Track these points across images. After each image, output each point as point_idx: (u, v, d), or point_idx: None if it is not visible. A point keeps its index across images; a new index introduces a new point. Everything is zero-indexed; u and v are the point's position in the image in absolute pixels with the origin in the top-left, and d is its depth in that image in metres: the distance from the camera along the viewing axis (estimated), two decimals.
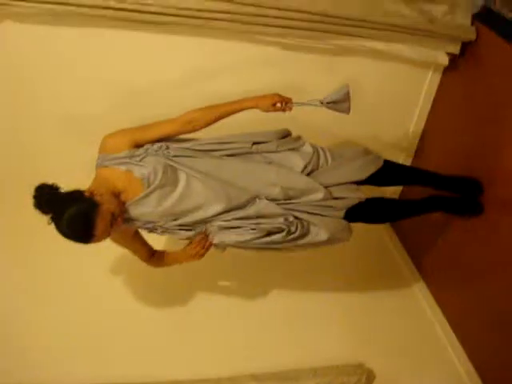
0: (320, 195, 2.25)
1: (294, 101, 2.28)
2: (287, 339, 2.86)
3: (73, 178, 2.06)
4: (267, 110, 2.25)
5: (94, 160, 2.13)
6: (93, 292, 2.94)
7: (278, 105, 2.25)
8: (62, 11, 2.40)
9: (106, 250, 2.45)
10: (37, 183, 1.96)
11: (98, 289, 2.97)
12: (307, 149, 2.33)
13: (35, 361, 2.58)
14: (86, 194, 1.94)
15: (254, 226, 2.21)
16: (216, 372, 2.60)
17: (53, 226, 1.91)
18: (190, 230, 2.23)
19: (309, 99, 2.29)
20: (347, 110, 2.33)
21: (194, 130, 2.21)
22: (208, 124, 2.20)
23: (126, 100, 2.91)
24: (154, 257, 2.48)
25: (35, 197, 1.94)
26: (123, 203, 2.07)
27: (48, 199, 1.91)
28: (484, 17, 2.75)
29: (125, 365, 2.62)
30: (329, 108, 2.31)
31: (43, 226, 1.92)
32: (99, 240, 1.94)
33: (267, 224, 2.21)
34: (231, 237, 2.23)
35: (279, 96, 2.25)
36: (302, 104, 2.28)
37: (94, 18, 2.47)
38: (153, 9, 2.44)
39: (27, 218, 2.05)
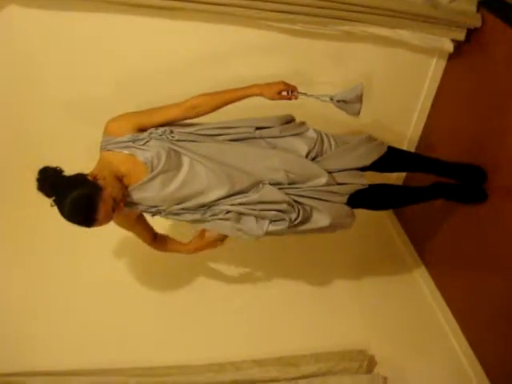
0: (323, 180, 2.25)
1: (299, 90, 2.25)
2: (289, 325, 2.87)
3: (77, 162, 2.05)
4: (272, 98, 2.23)
5: (98, 143, 2.13)
6: (92, 279, 2.96)
7: (284, 93, 2.24)
8: None
9: (106, 236, 2.48)
10: (36, 165, 1.97)
11: (97, 276, 2.98)
12: (311, 134, 2.33)
13: (33, 346, 2.60)
14: (90, 177, 1.94)
15: (256, 213, 2.22)
16: (218, 357, 2.61)
17: (55, 212, 1.91)
18: (194, 213, 2.23)
19: (319, 93, 2.26)
20: (357, 113, 2.30)
21: (198, 116, 2.20)
22: (212, 110, 2.20)
23: (132, 84, 2.91)
24: (156, 240, 2.49)
25: (38, 179, 1.94)
26: (126, 187, 2.08)
27: (51, 182, 1.91)
28: (490, 3, 2.73)
29: (127, 350, 2.65)
30: (338, 107, 2.29)
31: (46, 213, 1.93)
32: (101, 224, 1.94)
33: (269, 211, 2.21)
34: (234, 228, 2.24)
35: (285, 84, 2.23)
36: (311, 96, 2.25)
37: (100, 2, 2.47)
38: None
39: (30, 205, 2.07)
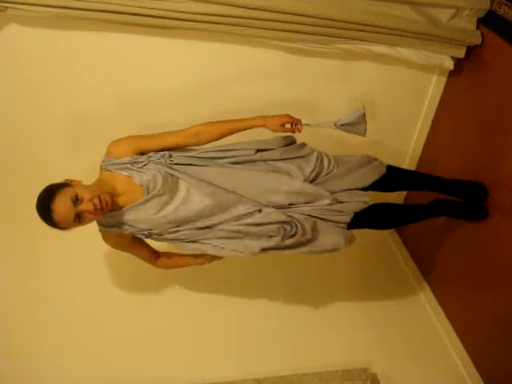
0: (327, 201, 2.26)
1: (304, 122, 2.25)
2: (291, 344, 2.86)
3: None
4: (276, 130, 2.24)
5: (95, 162, 2.17)
6: (91, 294, 2.96)
7: (287, 125, 2.24)
8: (69, 15, 2.40)
9: (107, 251, 2.46)
10: (38, 184, 2.01)
11: (96, 290, 2.99)
12: (311, 156, 2.32)
13: (36, 363, 2.59)
14: (65, 181, 2.03)
15: (253, 232, 2.21)
16: (219, 376, 2.59)
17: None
18: (188, 241, 2.23)
19: (322, 121, 2.27)
20: (363, 133, 2.30)
21: (200, 144, 2.23)
22: (215, 138, 2.22)
23: (130, 104, 2.92)
24: (159, 259, 2.48)
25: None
26: (116, 202, 2.08)
27: None
28: (489, 21, 2.74)
29: (126, 368, 2.63)
30: (344, 130, 2.30)
31: (43, 226, 1.96)
32: (61, 219, 1.93)
33: (265, 230, 2.21)
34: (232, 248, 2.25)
35: (289, 117, 2.23)
36: (315, 125, 2.26)
37: (101, 22, 2.48)
38: (159, 13, 2.45)
39: (28, 219, 2.08)
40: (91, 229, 2.16)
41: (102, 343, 2.72)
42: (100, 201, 1.96)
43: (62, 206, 1.91)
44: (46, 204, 1.91)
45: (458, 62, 2.89)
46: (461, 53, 2.82)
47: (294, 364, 2.71)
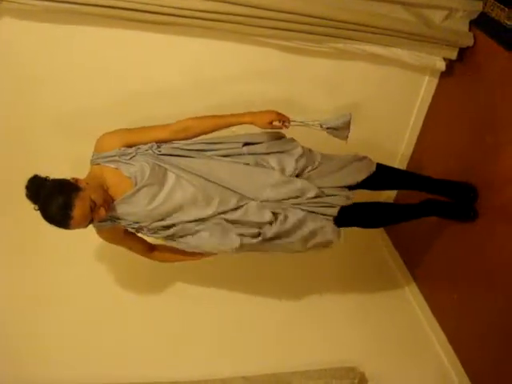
0: (312, 193, 2.26)
1: (292, 119, 2.25)
2: (279, 342, 2.86)
3: (70, 174, 2.06)
4: (264, 127, 2.23)
5: (88, 157, 2.18)
6: (91, 292, 2.95)
7: (276, 123, 2.22)
8: (64, 9, 2.38)
9: (106, 248, 2.45)
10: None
11: (96, 288, 2.99)
12: (297, 151, 2.33)
13: (38, 361, 2.58)
14: (72, 181, 1.99)
15: (237, 231, 2.22)
16: (208, 374, 2.59)
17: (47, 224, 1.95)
18: (178, 236, 2.24)
19: (309, 120, 2.28)
20: (345, 138, 2.32)
21: (188, 138, 2.23)
22: (202, 133, 2.23)
23: (126, 99, 2.90)
24: (153, 252, 2.48)
25: (27, 187, 2.01)
26: (111, 197, 2.09)
27: (37, 187, 1.97)
28: (482, 23, 2.75)
29: (117, 365, 2.62)
30: (328, 133, 2.31)
31: (43, 226, 1.94)
32: (78, 224, 1.93)
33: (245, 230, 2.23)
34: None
35: (277, 114, 2.21)
36: (301, 123, 2.27)
37: (96, 16, 2.46)
38: (156, 9, 2.44)
39: (27, 218, 2.08)
40: (91, 228, 2.16)
41: (98, 340, 2.72)
42: (108, 204, 2.01)
43: (82, 213, 1.91)
44: (65, 213, 1.88)
45: (449, 64, 2.90)
46: (453, 54, 2.83)
47: (282, 362, 2.71)
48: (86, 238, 2.42)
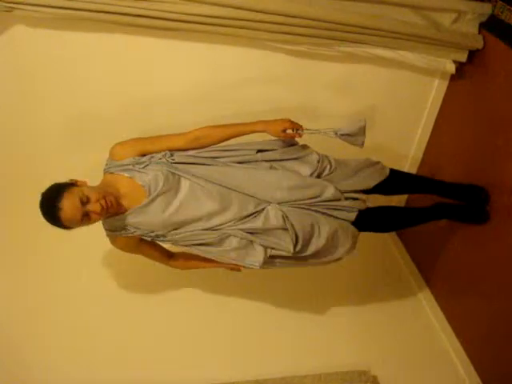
0: (331, 190, 2.25)
1: (305, 128, 2.25)
2: (292, 345, 2.86)
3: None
4: (277, 136, 2.23)
5: (97, 163, 2.21)
6: (94, 295, 2.97)
7: (289, 131, 2.23)
8: (74, 16, 2.41)
9: (109, 251, 2.47)
10: (38, 184, 2.03)
11: (99, 291, 3.00)
12: (312, 158, 2.34)
13: (37, 363, 2.61)
14: (68, 181, 2.04)
15: (262, 242, 2.21)
16: (220, 378, 2.60)
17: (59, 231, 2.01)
18: (196, 243, 2.23)
19: (323, 128, 2.28)
20: (361, 144, 2.31)
21: (202, 147, 2.24)
22: (216, 142, 2.24)
23: (132, 106, 2.93)
24: (172, 259, 2.46)
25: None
26: (122, 205, 2.10)
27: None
28: (491, 26, 2.75)
29: (127, 369, 2.64)
30: (342, 140, 2.30)
31: (45, 226, 1.97)
32: (69, 218, 1.93)
33: (272, 243, 2.22)
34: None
35: (290, 122, 2.22)
36: (315, 132, 2.26)
37: (107, 23, 2.49)
38: (164, 15, 2.46)
39: (29, 221, 2.10)
40: (92, 228, 2.14)
41: (104, 344, 2.74)
42: (106, 202, 1.98)
43: (70, 204, 1.91)
44: (53, 202, 1.91)
45: (459, 66, 2.89)
46: (463, 57, 2.83)
47: (294, 366, 2.71)
48: (90, 240, 2.43)
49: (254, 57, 2.83)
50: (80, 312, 2.86)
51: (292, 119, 2.24)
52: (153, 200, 2.08)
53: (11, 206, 3.17)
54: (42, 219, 1.97)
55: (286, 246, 2.19)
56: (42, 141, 3.06)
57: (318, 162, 2.31)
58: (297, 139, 2.34)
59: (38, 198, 1.99)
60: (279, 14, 2.53)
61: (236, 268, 2.34)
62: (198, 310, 2.99)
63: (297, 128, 2.23)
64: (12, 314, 2.81)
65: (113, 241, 2.25)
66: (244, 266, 2.29)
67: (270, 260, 2.25)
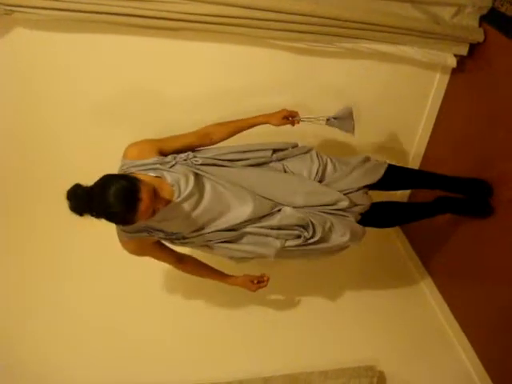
0: (345, 203, 2.30)
1: (300, 115, 2.40)
2: (298, 342, 2.87)
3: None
4: (278, 124, 2.38)
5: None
6: (97, 294, 2.99)
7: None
8: (75, 18, 2.41)
9: (114, 251, 2.47)
10: (40, 185, 1.99)
11: (102, 291, 3.02)
12: (314, 158, 2.38)
13: (38, 363, 2.62)
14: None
15: (274, 234, 2.24)
16: (226, 375, 2.61)
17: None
18: (214, 242, 2.22)
19: (316, 116, 2.41)
20: (352, 130, 2.42)
21: (213, 143, 2.31)
22: (226, 137, 2.33)
23: (137, 107, 2.94)
24: (182, 264, 2.44)
25: (71, 197, 1.83)
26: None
27: (81, 194, 1.82)
28: (492, 18, 2.74)
29: (134, 368, 2.66)
30: (333, 125, 2.43)
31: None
32: (144, 211, 1.81)
33: (286, 235, 2.25)
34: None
35: (286, 110, 2.38)
36: (309, 119, 2.41)
37: (108, 24, 2.48)
38: (168, 15, 2.46)
39: (28, 221, 2.09)
40: (92, 228, 2.16)
41: (109, 344, 2.75)
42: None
43: (150, 196, 1.82)
44: (134, 193, 1.78)
45: (460, 60, 2.88)
46: (463, 50, 2.82)
47: (300, 362, 2.72)
48: (90, 240, 2.42)
49: (254, 54, 2.84)
50: (80, 312, 2.87)
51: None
52: (184, 200, 2.05)
53: (11, 206, 3.17)
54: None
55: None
56: (42, 141, 3.06)
57: (320, 163, 2.35)
58: (297, 141, 2.44)
59: (64, 193, 1.82)
60: (279, 12, 2.52)
61: (253, 288, 2.53)
62: (203, 308, 3.00)
63: (293, 116, 2.40)
64: (12, 314, 2.83)
65: (125, 243, 2.17)
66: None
67: (283, 250, 2.28)
